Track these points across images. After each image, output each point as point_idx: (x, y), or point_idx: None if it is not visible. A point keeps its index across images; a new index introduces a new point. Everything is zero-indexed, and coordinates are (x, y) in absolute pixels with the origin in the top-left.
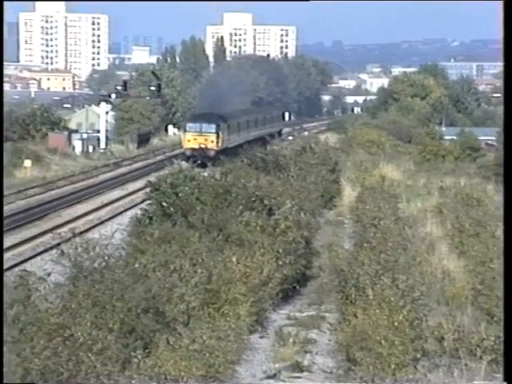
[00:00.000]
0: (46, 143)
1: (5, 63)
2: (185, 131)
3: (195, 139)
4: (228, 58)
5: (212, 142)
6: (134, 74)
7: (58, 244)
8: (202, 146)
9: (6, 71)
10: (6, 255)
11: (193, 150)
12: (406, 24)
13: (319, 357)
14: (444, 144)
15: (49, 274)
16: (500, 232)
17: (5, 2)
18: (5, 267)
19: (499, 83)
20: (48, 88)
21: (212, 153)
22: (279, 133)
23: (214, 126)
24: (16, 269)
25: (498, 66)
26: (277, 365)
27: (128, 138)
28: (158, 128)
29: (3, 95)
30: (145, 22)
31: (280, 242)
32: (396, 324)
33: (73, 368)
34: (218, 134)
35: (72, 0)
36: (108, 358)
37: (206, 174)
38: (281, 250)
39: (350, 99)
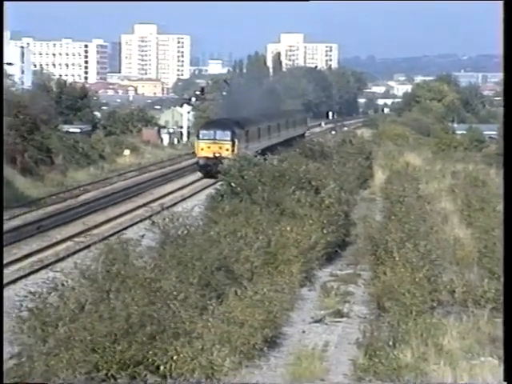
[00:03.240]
0: (141, 136)
1: (110, 74)
2: (198, 139)
3: (209, 147)
4: (284, 69)
5: (227, 150)
6: (209, 82)
7: (150, 215)
8: (217, 154)
9: (110, 80)
10: (111, 224)
11: (207, 158)
12: (425, 41)
13: (356, 306)
14: (456, 137)
15: (143, 236)
16: (500, 207)
17: (5, 2)
18: (110, 233)
19: (500, 89)
20: (143, 93)
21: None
22: (302, 135)
23: (228, 133)
24: (117, 235)
25: (498, 76)
26: (322, 312)
27: None
28: None
29: (3, 95)
30: (218, 40)
31: (325, 215)
32: (417, 280)
33: (164, 314)
34: (233, 141)
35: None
36: (189, 305)
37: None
38: (325, 221)
39: (380, 101)
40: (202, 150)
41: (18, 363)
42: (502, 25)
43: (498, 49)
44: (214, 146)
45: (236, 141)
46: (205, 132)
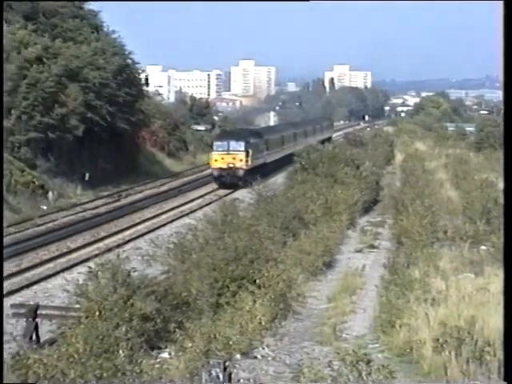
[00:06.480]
0: None
1: (224, 92)
2: (212, 150)
3: (223, 158)
4: (336, 88)
5: (241, 160)
6: (288, 97)
7: (251, 183)
8: (231, 165)
9: (224, 96)
10: (225, 191)
11: (221, 169)
12: (428, 69)
13: (383, 241)
14: (448, 132)
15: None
16: (477, 177)
17: (5, 2)
18: (224, 194)
19: (477, 100)
20: (245, 105)
21: (241, 172)
22: (329, 139)
23: (242, 143)
24: (229, 196)
25: (475, 92)
26: (361, 245)
27: None
28: None
29: (3, 94)
30: (293, 69)
31: (363, 182)
32: (423, 224)
33: (259, 247)
34: (247, 151)
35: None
36: (275, 241)
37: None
38: (363, 187)
39: (399, 109)
40: (216, 161)
41: (167, 277)
42: (502, 25)
43: (475, 74)
44: (228, 156)
45: (250, 151)
46: (219, 143)
